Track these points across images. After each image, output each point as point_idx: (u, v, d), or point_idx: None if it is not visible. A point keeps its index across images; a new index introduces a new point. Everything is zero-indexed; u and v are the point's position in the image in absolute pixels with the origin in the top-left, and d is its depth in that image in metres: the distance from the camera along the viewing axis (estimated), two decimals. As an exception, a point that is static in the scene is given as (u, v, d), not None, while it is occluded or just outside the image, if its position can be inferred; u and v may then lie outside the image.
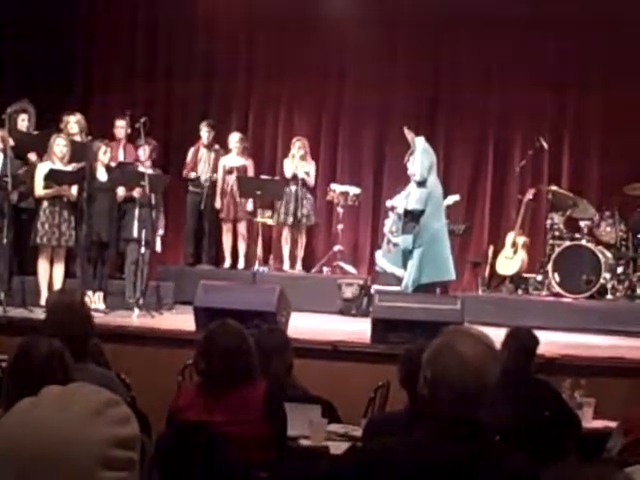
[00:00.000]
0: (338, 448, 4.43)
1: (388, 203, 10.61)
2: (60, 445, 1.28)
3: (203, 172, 11.26)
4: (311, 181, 11.30)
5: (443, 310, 7.85)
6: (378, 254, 10.50)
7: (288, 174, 11.16)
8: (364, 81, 11.83)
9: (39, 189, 9.42)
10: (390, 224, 10.35)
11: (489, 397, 2.35)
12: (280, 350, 4.90)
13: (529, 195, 10.97)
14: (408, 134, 10.16)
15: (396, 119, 11.43)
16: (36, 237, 9.37)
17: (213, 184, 11.20)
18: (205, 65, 12.47)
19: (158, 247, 10.36)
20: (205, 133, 11.34)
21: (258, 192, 10.29)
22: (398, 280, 10.06)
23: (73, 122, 10.26)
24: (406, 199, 10.07)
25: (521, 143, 11.58)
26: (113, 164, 10.17)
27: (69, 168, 9.54)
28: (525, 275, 10.84)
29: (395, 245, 10.14)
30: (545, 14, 11.24)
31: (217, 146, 11.34)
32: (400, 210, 10.11)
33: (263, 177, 11.22)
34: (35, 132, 10.40)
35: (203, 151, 11.36)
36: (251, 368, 4.21)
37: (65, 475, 1.28)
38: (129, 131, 10.86)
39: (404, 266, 10.00)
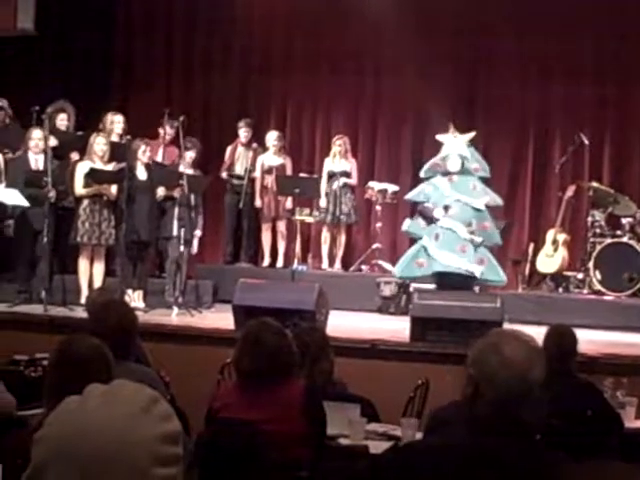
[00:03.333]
0: (377, 447, 4.41)
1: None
2: (114, 445, 1.29)
3: (241, 171, 11.29)
4: (353, 180, 11.29)
5: (483, 308, 7.80)
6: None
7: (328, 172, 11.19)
8: (402, 78, 11.78)
9: (79, 188, 9.50)
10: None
11: (534, 398, 2.35)
12: (325, 349, 4.90)
13: (569, 192, 10.87)
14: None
15: (434, 116, 11.37)
16: (76, 236, 9.44)
17: (252, 182, 11.22)
18: (243, 63, 12.50)
19: (195, 249, 10.37)
20: (244, 132, 11.36)
21: (296, 190, 10.30)
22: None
23: (122, 122, 10.29)
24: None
25: (561, 139, 11.48)
26: (155, 160, 10.21)
27: (109, 167, 9.61)
28: (566, 273, 10.75)
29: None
30: (583, 7, 11.15)
31: (255, 145, 11.36)
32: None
33: (301, 175, 11.23)
34: (79, 133, 10.44)
35: (240, 150, 11.39)
36: (291, 367, 4.21)
37: (121, 474, 1.29)
38: (171, 131, 10.82)
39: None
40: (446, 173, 9.85)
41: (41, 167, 9.58)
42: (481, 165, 10.02)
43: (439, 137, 10.18)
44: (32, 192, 9.40)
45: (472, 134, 10.19)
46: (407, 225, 10.12)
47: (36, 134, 9.67)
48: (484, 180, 9.97)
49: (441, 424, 3.76)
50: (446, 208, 9.59)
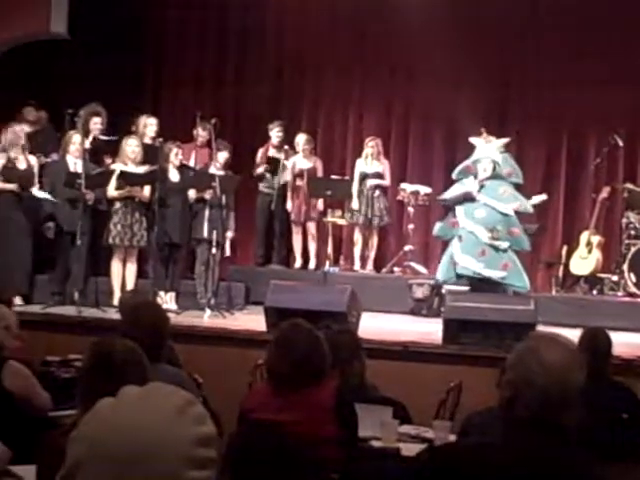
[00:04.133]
0: (409, 449, 4.39)
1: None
2: (149, 446, 1.29)
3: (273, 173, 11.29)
4: (386, 181, 11.27)
5: (516, 310, 7.74)
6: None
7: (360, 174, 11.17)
8: (434, 80, 11.74)
9: (111, 190, 9.55)
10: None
11: (573, 402, 2.34)
12: (357, 351, 4.90)
13: (604, 193, 10.79)
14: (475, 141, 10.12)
15: (466, 118, 11.31)
16: (109, 237, 9.49)
17: (283, 185, 11.22)
18: (274, 66, 12.52)
19: (227, 250, 10.36)
20: (277, 134, 11.34)
21: (328, 192, 10.30)
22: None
23: (155, 125, 10.35)
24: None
25: (595, 140, 11.40)
26: (185, 163, 10.24)
27: (141, 170, 9.64)
28: (600, 275, 10.66)
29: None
30: (615, 9, 11.07)
31: (286, 147, 11.35)
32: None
33: (333, 177, 11.21)
34: (113, 137, 10.43)
35: (272, 152, 11.38)
36: (323, 369, 4.20)
37: (155, 476, 1.29)
38: (204, 133, 10.81)
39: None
40: (477, 176, 9.83)
41: (80, 171, 9.62)
42: (514, 170, 9.95)
43: (472, 140, 10.14)
44: (71, 194, 9.45)
45: (506, 139, 10.12)
46: (437, 229, 10.10)
47: (76, 138, 9.73)
48: (517, 186, 9.90)
49: (476, 428, 3.73)
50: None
